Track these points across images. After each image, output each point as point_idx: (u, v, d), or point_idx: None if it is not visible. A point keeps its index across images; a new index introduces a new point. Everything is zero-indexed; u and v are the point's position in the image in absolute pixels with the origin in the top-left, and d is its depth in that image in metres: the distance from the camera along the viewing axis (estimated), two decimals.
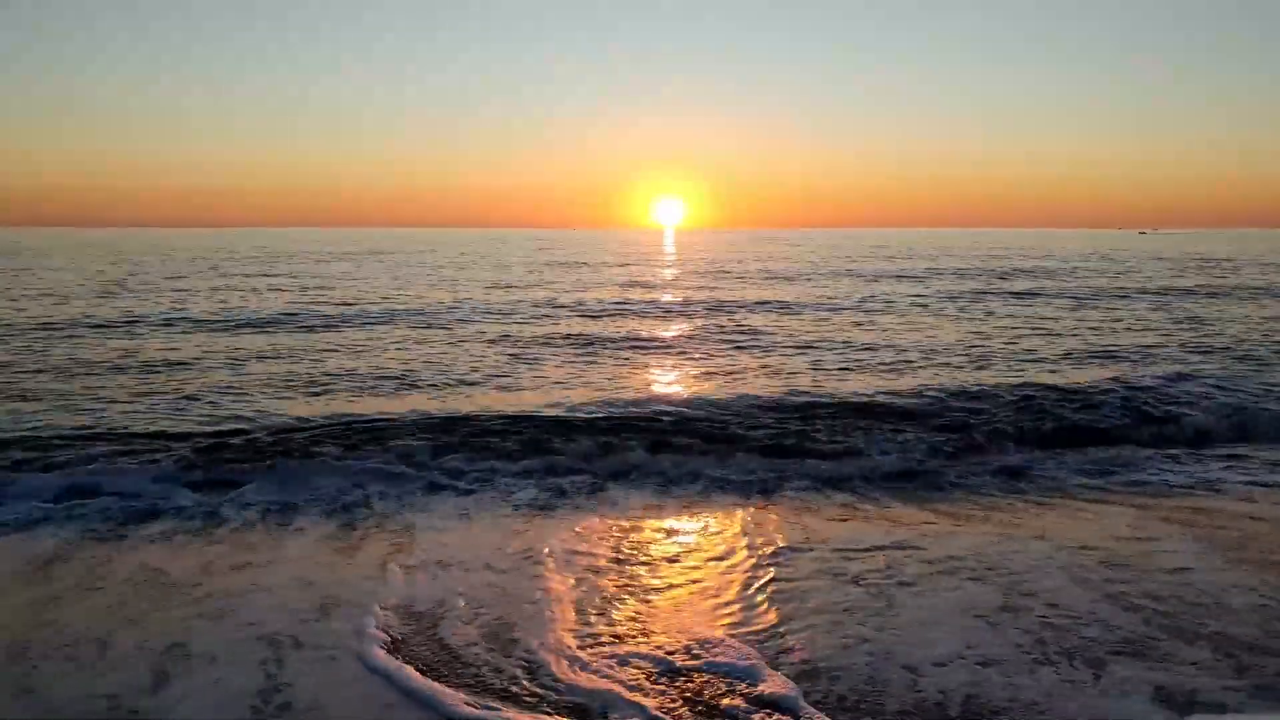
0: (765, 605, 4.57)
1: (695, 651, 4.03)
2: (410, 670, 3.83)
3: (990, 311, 20.12)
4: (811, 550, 5.37)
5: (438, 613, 4.45)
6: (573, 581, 4.89)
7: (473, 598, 4.64)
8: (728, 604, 4.60)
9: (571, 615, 4.43)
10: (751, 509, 6.27)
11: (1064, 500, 6.50)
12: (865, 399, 9.84)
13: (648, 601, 4.64)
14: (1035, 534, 5.66)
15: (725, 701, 3.64)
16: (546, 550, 5.38)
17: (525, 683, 3.78)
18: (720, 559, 5.27)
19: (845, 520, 6.03)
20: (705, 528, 5.91)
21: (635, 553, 5.36)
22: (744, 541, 5.55)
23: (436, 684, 3.72)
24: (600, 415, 9.00)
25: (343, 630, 4.24)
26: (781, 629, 4.28)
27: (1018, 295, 23.64)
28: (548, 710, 3.55)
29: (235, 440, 7.99)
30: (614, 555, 5.32)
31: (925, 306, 21.03)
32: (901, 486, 6.87)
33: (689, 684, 3.79)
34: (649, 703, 3.62)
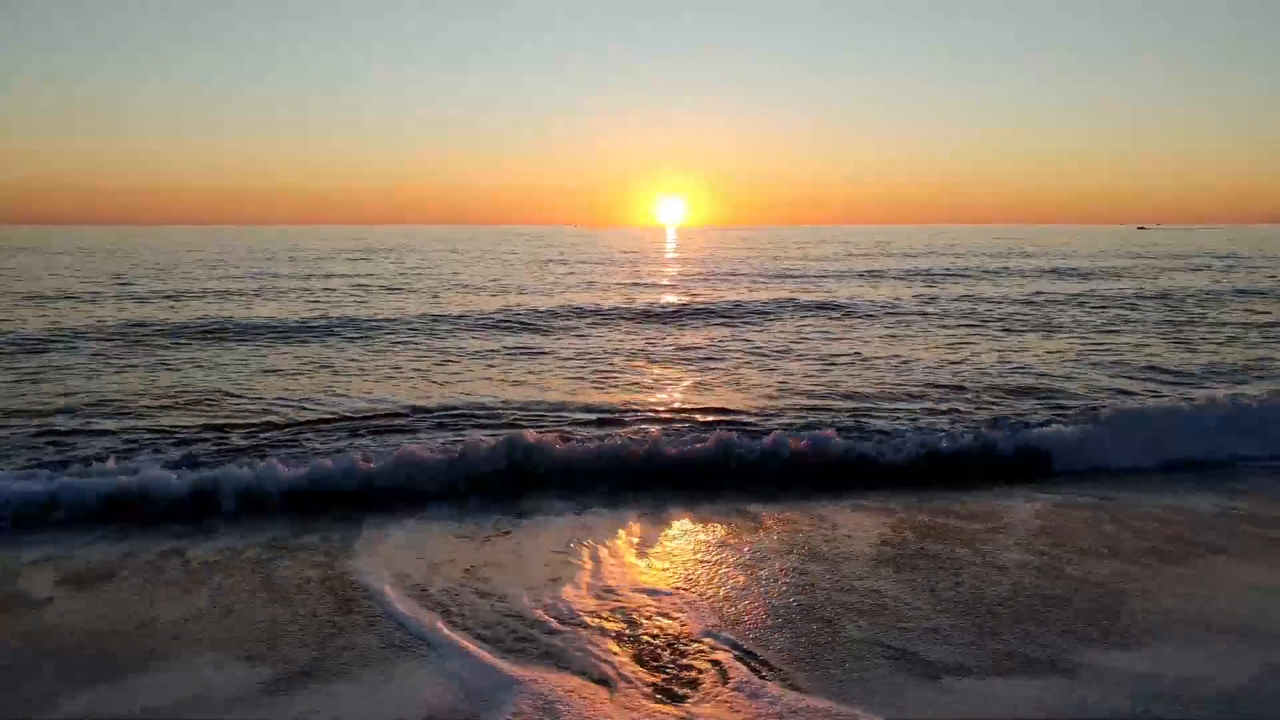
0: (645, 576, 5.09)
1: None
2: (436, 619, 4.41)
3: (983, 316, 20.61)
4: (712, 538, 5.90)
5: (451, 589, 4.99)
6: (561, 562, 5.39)
7: (470, 570, 5.17)
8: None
9: (553, 588, 4.97)
10: (693, 509, 6.56)
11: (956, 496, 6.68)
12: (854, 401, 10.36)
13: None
14: (890, 525, 5.95)
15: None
16: (555, 530, 5.92)
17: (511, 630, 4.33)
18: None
19: (760, 509, 6.41)
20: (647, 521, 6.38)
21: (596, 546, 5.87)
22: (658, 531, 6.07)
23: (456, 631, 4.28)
24: (593, 413, 9.57)
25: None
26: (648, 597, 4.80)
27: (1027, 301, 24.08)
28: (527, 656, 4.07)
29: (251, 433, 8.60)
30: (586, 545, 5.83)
31: (933, 303, 21.57)
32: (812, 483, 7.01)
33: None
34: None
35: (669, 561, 5.34)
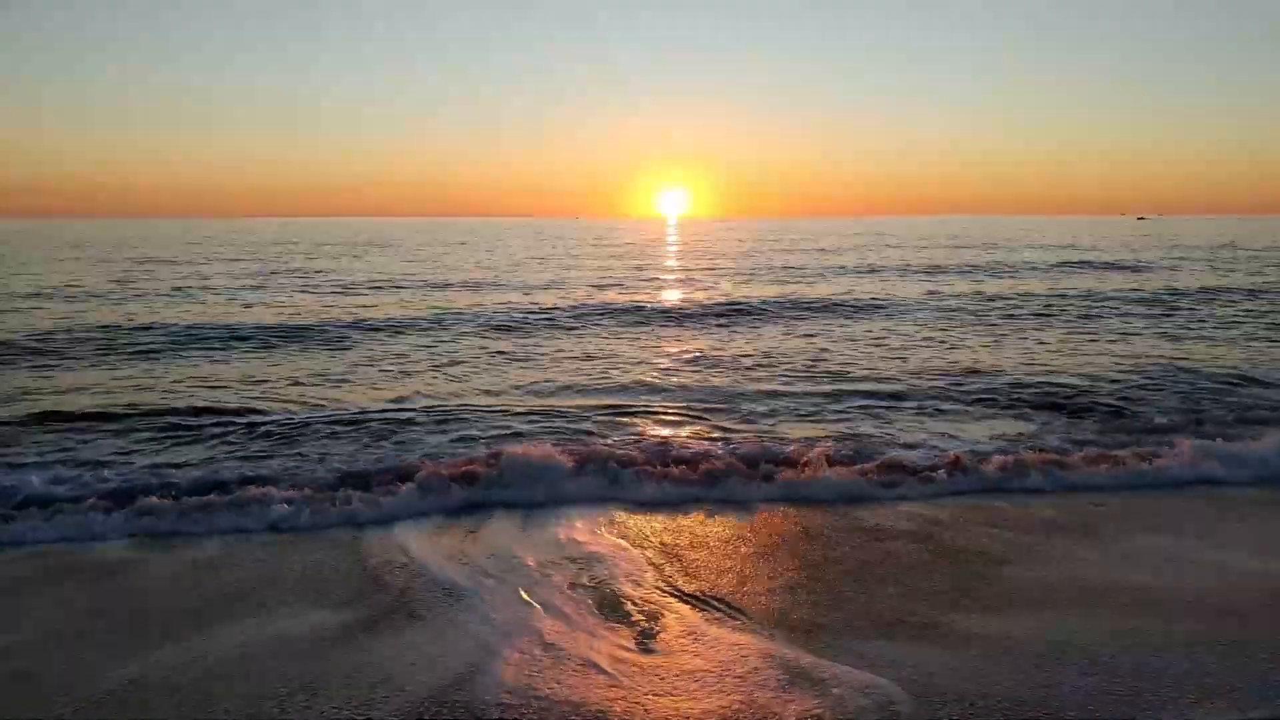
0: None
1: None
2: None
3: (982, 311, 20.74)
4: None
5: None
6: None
7: (482, 551, 5.95)
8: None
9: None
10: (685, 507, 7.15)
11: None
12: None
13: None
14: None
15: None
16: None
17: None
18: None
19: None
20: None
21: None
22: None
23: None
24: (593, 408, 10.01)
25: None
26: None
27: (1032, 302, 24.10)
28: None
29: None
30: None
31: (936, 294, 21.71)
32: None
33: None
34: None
35: (661, 547, 6.03)
